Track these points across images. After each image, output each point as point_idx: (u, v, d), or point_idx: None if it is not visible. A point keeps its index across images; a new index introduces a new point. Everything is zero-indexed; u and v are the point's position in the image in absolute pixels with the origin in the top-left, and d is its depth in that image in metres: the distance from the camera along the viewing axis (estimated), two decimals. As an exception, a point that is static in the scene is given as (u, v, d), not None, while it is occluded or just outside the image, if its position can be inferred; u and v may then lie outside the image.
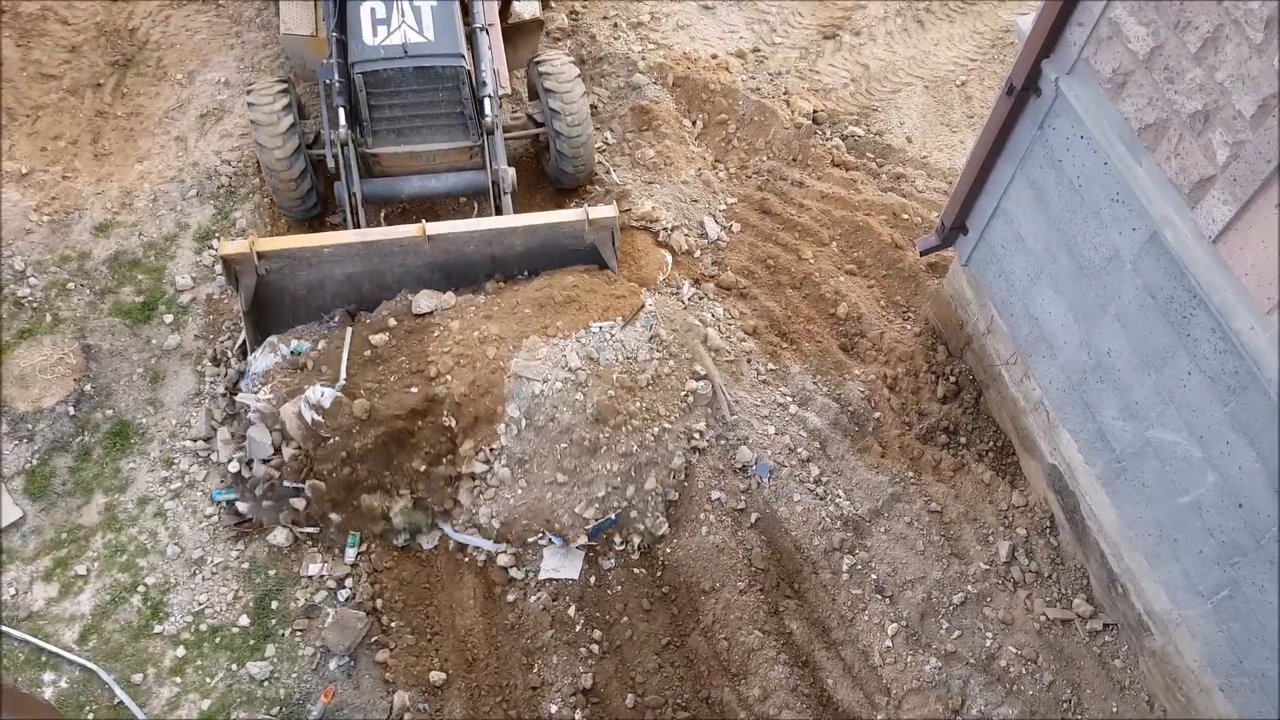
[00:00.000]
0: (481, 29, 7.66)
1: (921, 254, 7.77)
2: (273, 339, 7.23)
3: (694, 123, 9.39)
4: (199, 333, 7.76)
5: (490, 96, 7.42)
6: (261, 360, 7.09)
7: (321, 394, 6.67)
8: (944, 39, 10.35)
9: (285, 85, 7.82)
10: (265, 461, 6.91)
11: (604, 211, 7.38)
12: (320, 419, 6.65)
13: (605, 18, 10.15)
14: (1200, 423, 5.26)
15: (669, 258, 8.10)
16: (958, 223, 7.09)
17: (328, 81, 7.49)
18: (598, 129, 9.11)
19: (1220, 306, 4.88)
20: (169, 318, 7.81)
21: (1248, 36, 4.44)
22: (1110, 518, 6.28)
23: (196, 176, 8.53)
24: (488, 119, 7.44)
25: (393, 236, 7.10)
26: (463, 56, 7.34)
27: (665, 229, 8.26)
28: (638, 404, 6.91)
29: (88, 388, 7.46)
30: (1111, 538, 6.33)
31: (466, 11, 7.80)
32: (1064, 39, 5.65)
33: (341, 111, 7.31)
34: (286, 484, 6.84)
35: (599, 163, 8.78)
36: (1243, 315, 4.79)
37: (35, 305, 7.75)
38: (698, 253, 8.39)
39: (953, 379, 7.71)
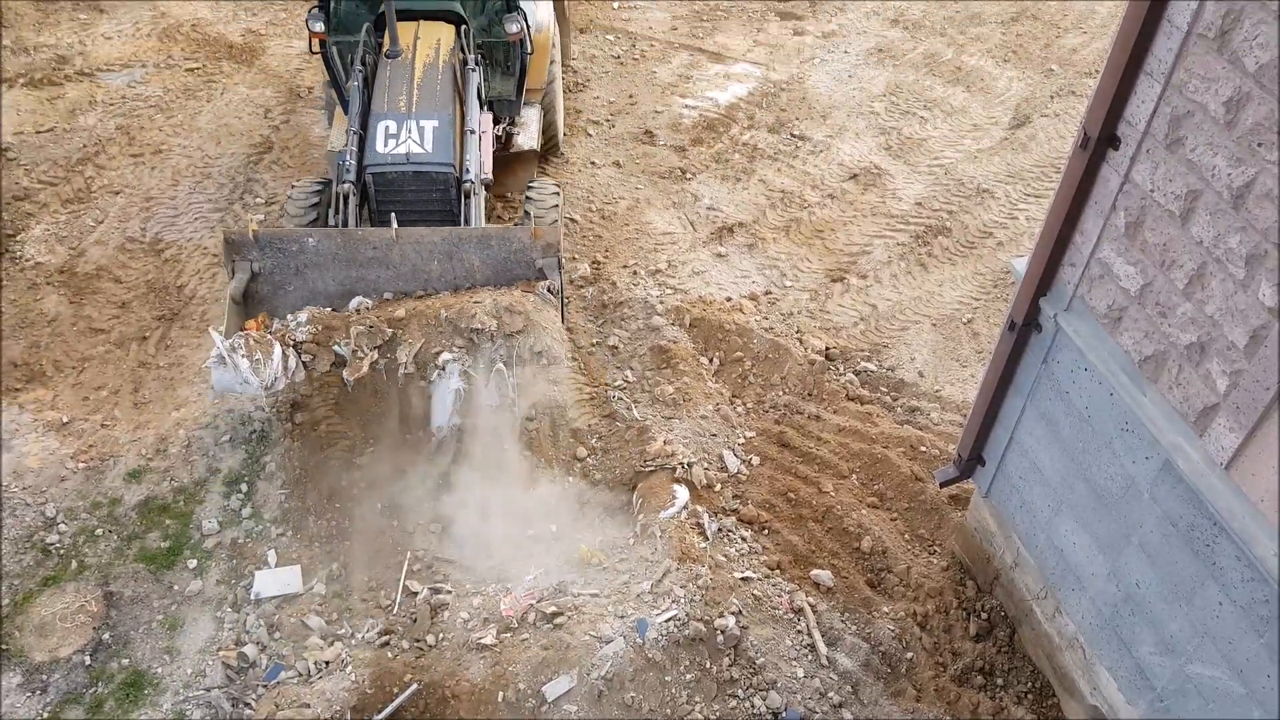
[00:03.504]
0: (472, 132, 9.08)
1: (941, 485, 7.79)
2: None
3: (711, 360, 9.69)
4: (221, 578, 7.77)
5: (472, 180, 8.78)
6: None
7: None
8: (947, 280, 10.80)
9: (324, 185, 9.48)
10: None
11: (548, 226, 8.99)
12: None
13: (625, 266, 10.70)
14: (1238, 656, 5.08)
15: (685, 492, 8.10)
16: (974, 454, 7.15)
17: (339, 163, 8.79)
18: (618, 368, 9.46)
19: (1241, 533, 4.83)
20: (193, 563, 7.85)
21: (1230, 273, 4.64)
22: (1160, 762, 5.94)
23: (230, 423, 8.77)
24: (466, 185, 8.75)
25: (368, 233, 8.43)
26: (453, 166, 8.82)
27: (684, 464, 8.35)
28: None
29: (106, 636, 7.40)
30: (1164, 784, 5.97)
31: (464, 124, 9.25)
32: (1059, 278, 5.91)
33: (353, 198, 8.57)
34: None
35: (619, 399, 9.02)
36: (1264, 542, 4.73)
37: (62, 552, 7.82)
38: (718, 486, 8.43)
39: (984, 615, 7.52)
